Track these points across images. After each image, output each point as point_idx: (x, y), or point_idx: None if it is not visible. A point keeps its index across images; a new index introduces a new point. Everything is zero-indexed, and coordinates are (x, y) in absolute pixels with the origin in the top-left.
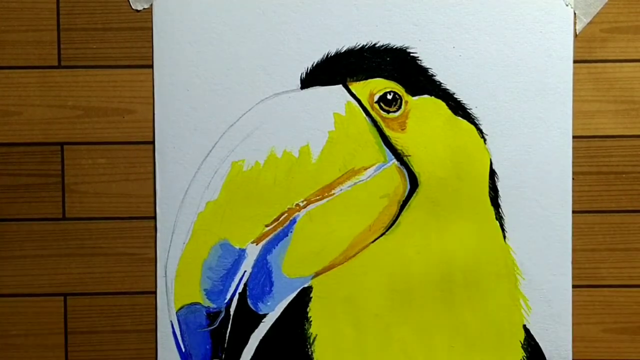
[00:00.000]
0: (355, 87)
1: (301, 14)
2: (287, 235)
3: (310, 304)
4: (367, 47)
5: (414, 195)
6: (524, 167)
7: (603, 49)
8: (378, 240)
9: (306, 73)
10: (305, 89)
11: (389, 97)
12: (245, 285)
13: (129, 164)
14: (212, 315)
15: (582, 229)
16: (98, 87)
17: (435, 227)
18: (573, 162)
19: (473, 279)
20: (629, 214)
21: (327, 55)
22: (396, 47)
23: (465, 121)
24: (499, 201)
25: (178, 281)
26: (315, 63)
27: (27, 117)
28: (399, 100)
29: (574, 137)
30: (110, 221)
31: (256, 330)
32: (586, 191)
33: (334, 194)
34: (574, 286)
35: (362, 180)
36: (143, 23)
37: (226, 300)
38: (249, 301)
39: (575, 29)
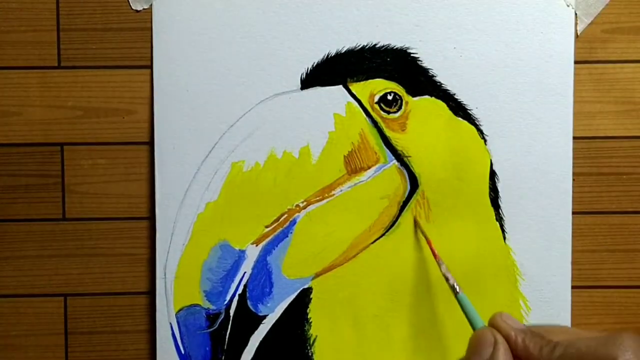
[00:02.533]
0: (355, 87)
1: (301, 14)
2: (287, 236)
3: (310, 305)
4: (367, 47)
5: (414, 196)
6: (524, 168)
7: (604, 50)
8: (378, 241)
9: (306, 73)
10: (306, 90)
11: (389, 97)
12: (245, 286)
13: (129, 165)
14: (211, 317)
15: (582, 230)
16: (98, 87)
17: (435, 228)
18: (573, 163)
19: (473, 280)
20: (629, 215)
21: (328, 55)
22: (397, 48)
23: (465, 122)
24: (499, 202)
25: (177, 282)
26: (315, 63)
27: (27, 118)
28: (400, 101)
29: (574, 138)
30: (110, 222)
31: (256, 332)
32: (586, 192)
33: (334, 194)
34: (573, 287)
35: (362, 181)
36: (143, 23)
37: (226, 302)
38: (248, 302)
39: (576, 30)
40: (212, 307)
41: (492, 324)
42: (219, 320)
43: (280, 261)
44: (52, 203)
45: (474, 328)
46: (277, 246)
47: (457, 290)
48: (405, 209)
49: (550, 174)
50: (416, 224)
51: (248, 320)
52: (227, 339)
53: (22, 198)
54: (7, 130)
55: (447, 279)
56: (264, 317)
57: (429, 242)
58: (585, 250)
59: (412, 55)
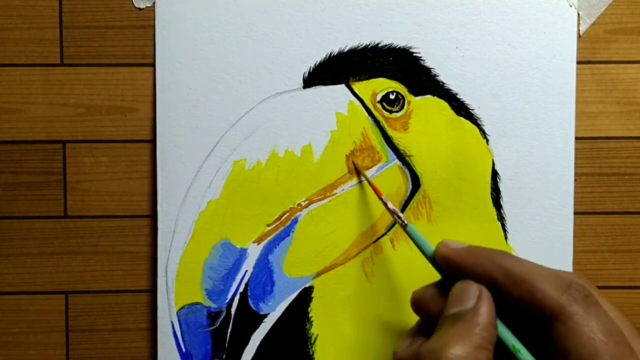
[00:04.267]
0: (358, 86)
1: (304, 13)
2: (289, 235)
3: (312, 304)
4: (370, 46)
5: (416, 195)
6: (526, 168)
7: (607, 50)
8: (379, 240)
9: (309, 72)
10: (308, 89)
11: (392, 97)
12: (246, 285)
13: (131, 162)
14: (212, 315)
15: (584, 230)
16: (100, 85)
17: (437, 227)
18: (575, 164)
19: None
20: (631, 216)
21: (330, 54)
22: (399, 47)
23: (467, 122)
24: (501, 202)
25: (179, 281)
26: (318, 62)
27: (29, 115)
28: (402, 100)
29: (576, 138)
30: (112, 219)
31: (257, 330)
32: (588, 192)
33: (335, 193)
34: None
35: (364, 180)
36: (145, 21)
37: (227, 300)
38: (250, 301)
39: (578, 30)
40: (213, 305)
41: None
42: (220, 319)
43: (282, 260)
44: (53, 201)
45: (425, 254)
46: (278, 245)
47: (405, 222)
48: (407, 208)
49: (552, 174)
50: (356, 167)
51: (249, 318)
52: (228, 338)
53: (24, 195)
54: (9, 127)
55: (393, 214)
56: (265, 315)
57: (372, 185)
58: (586, 251)
59: (414, 54)
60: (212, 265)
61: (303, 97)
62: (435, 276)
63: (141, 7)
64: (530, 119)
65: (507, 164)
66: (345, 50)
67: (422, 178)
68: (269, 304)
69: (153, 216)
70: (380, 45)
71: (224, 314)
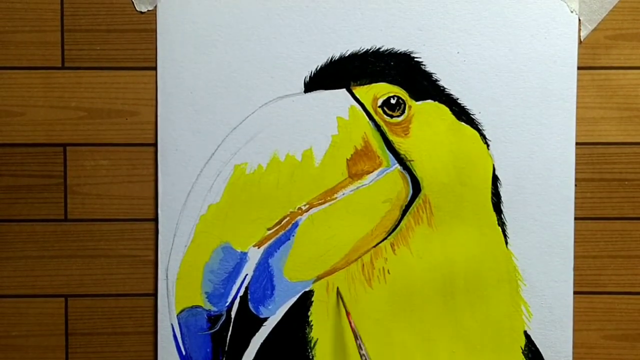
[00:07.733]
0: (359, 91)
1: (305, 17)
2: (289, 239)
3: (312, 308)
4: (371, 51)
5: (416, 200)
6: (526, 173)
7: (607, 56)
8: (379, 245)
9: (310, 77)
10: (309, 93)
11: (393, 101)
12: (246, 288)
13: (132, 166)
14: (213, 319)
15: (584, 235)
16: (101, 88)
17: (437, 232)
18: (576, 169)
19: (474, 285)
20: (631, 221)
21: (331, 59)
22: (400, 52)
23: (468, 127)
24: (502, 207)
25: (179, 284)
26: (319, 67)
27: (30, 118)
28: (403, 105)
29: (577, 143)
30: (112, 223)
31: (257, 334)
32: (588, 198)
33: (336, 198)
34: (575, 292)
35: (365, 185)
36: (147, 25)
37: (227, 304)
38: (250, 305)
39: (579, 36)
40: (213, 308)
41: None
42: (220, 322)
43: (282, 264)
44: (54, 204)
45: None
46: (279, 249)
47: None
48: (408, 212)
49: (553, 179)
50: (338, 294)
51: (249, 322)
52: (228, 341)
53: (24, 198)
54: (10, 130)
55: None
56: (265, 319)
57: (348, 315)
58: (586, 256)
59: (415, 59)
60: (213, 269)
61: (304, 102)
62: (435, 279)
63: (143, 10)
64: (531, 124)
65: (508, 169)
66: (347, 55)
67: (422, 183)
68: (269, 307)
69: (154, 219)
70: (381, 49)
71: (224, 317)
